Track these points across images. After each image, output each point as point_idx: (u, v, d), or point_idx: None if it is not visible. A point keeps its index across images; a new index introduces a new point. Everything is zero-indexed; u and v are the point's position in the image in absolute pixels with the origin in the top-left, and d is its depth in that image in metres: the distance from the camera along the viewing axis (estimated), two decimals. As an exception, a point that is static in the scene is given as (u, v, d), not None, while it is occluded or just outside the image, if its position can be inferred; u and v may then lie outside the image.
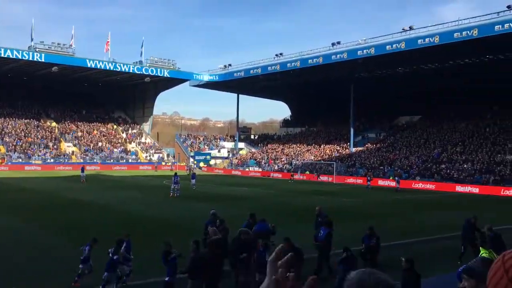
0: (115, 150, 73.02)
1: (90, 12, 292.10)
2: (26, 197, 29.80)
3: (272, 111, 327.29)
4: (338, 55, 53.91)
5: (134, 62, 69.65)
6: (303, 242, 13.46)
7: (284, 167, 62.96)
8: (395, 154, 55.57)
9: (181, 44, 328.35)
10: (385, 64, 55.64)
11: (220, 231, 11.99)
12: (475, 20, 43.39)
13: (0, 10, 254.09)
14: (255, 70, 64.81)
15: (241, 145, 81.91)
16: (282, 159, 66.83)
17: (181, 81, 76.92)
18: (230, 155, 78.76)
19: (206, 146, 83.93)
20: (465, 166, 46.47)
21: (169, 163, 73.43)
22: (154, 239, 15.83)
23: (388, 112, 68.77)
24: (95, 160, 67.65)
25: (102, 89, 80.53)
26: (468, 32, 42.16)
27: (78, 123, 77.46)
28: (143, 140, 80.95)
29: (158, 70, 69.10)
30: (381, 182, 47.42)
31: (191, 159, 76.04)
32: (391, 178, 46.89)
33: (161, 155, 77.89)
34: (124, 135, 79.57)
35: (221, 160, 76.89)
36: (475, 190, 41.21)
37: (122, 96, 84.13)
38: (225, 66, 72.20)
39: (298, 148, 70.16)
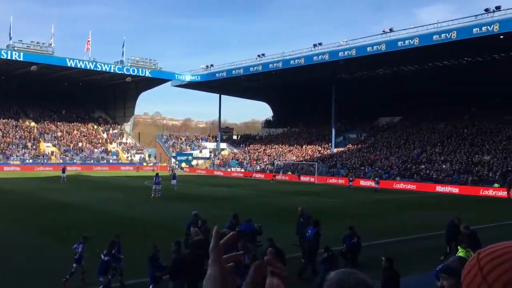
0: (95, 150, 72.20)
1: (70, 11, 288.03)
2: (5, 198, 29.29)
3: (254, 112, 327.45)
4: (319, 56, 54.27)
5: (115, 62, 68.98)
6: (285, 242, 13.57)
7: (266, 168, 63.07)
8: (376, 155, 56.15)
9: (162, 44, 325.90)
10: (366, 65, 56.19)
11: (202, 232, 11.97)
12: (454, 23, 44.10)
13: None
14: (237, 70, 64.81)
15: (223, 145, 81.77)
16: (264, 160, 66.93)
17: (163, 81, 76.47)
18: (212, 156, 78.58)
19: (188, 147, 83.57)
20: (444, 166, 47.20)
21: (151, 164, 72.90)
22: (136, 239, 15.73)
23: (369, 113, 69.44)
24: (75, 161, 66.80)
25: (82, 89, 79.50)
26: (447, 34, 42.83)
27: (58, 123, 76.36)
28: (124, 140, 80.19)
29: (140, 70, 68.56)
30: (363, 183, 47.81)
31: (173, 160, 75.64)
32: (371, 178, 47.30)
33: (142, 155, 77.28)
34: (104, 135, 78.73)
35: (203, 161, 76.63)
36: (455, 190, 41.85)
37: (103, 96, 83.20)
38: (207, 66, 72.03)
39: (280, 149, 70.36)
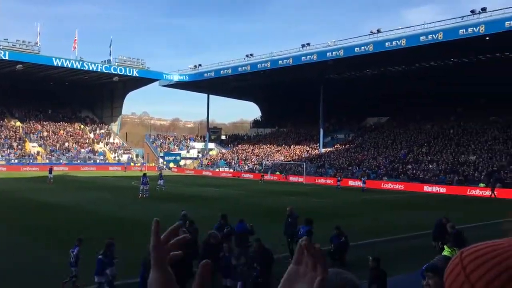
0: (82, 150, 71.60)
1: (56, 9, 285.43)
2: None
3: (242, 112, 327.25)
4: (308, 57, 54.43)
5: (102, 61, 68.50)
6: (274, 242, 13.58)
7: (254, 168, 63.09)
8: (364, 155, 56.48)
9: (150, 43, 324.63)
10: (354, 66, 56.49)
11: (191, 232, 11.95)
12: (441, 24, 44.58)
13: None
14: (225, 70, 64.73)
15: (211, 145, 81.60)
16: (252, 160, 66.94)
17: (151, 80, 76.08)
18: (200, 156, 78.39)
19: (176, 147, 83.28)
20: (431, 166, 47.64)
21: (139, 164, 72.50)
22: (124, 240, 15.62)
23: (357, 113, 69.82)
24: (61, 161, 66.17)
25: (69, 88, 78.74)
26: (433, 35, 43.22)
27: (44, 122, 75.57)
28: (111, 140, 79.63)
29: (127, 69, 68.14)
30: (351, 183, 48.01)
31: (161, 160, 75.31)
32: (358, 178, 47.51)
33: (130, 155, 76.82)
34: (91, 135, 78.11)
35: (191, 161, 76.42)
36: (442, 190, 42.23)
37: (90, 95, 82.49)
38: (195, 66, 71.83)
39: (268, 149, 70.43)
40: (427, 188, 43.24)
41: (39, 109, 78.16)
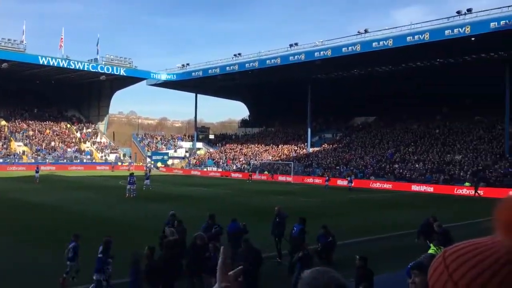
0: (68, 149, 70.98)
1: (43, 7, 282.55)
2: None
3: (230, 111, 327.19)
4: (295, 56, 54.54)
5: (89, 60, 67.96)
6: (263, 241, 13.61)
7: (242, 167, 63.10)
8: (351, 154, 56.80)
9: (138, 42, 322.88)
10: (342, 66, 56.74)
11: (179, 232, 11.93)
12: (427, 24, 44.98)
13: None
14: (213, 70, 64.60)
15: (199, 145, 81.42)
16: (240, 159, 66.95)
17: (138, 79, 75.66)
18: (188, 155, 78.18)
19: (163, 146, 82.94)
20: (417, 166, 48.07)
21: (126, 163, 72.09)
22: (117, 240, 15.52)
23: (344, 113, 70.19)
24: (47, 160, 65.52)
25: (55, 87, 78.00)
26: (420, 36, 43.59)
27: (29, 121, 74.77)
28: (98, 139, 79.06)
29: (114, 68, 67.69)
30: (340, 182, 48.20)
31: (148, 159, 74.94)
32: (345, 177, 47.69)
33: (117, 155, 76.34)
34: (78, 135, 77.47)
35: (178, 160, 76.17)
36: (430, 189, 42.62)
37: (76, 94, 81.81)
38: (183, 65, 71.56)
39: (256, 148, 70.49)
40: (415, 188, 43.60)
41: (25, 108, 77.31)
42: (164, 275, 9.54)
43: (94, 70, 66.38)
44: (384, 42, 46.27)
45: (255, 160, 64.54)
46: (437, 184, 42.97)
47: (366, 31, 49.48)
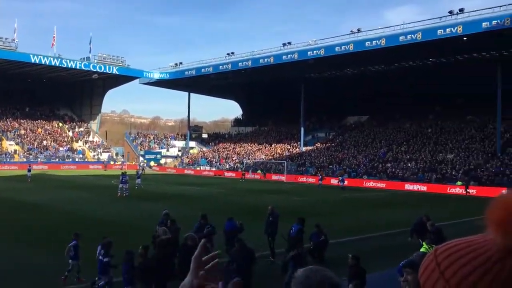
0: (60, 148, 70.58)
1: (35, 6, 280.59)
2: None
3: (224, 110, 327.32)
4: (289, 56, 54.56)
5: (81, 58, 67.57)
6: (256, 241, 13.61)
7: (235, 166, 63.07)
8: (344, 153, 56.95)
9: (131, 41, 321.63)
10: (335, 65, 56.84)
11: (172, 231, 11.91)
12: (419, 24, 45.17)
13: None
14: (206, 68, 64.46)
15: (192, 144, 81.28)
16: (234, 158, 66.92)
17: (131, 78, 75.34)
18: (180, 154, 78.01)
19: (156, 145, 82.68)
20: (409, 165, 48.28)
21: (119, 162, 71.81)
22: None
23: (337, 112, 70.36)
24: (39, 159, 65.12)
25: (47, 86, 77.51)
26: (412, 35, 43.77)
27: (21, 120, 74.26)
28: (90, 138, 78.67)
29: (107, 67, 67.38)
30: (333, 181, 48.22)
31: (141, 158, 74.70)
32: (337, 176, 47.73)
33: (110, 154, 76.03)
34: (70, 134, 77.05)
35: (171, 159, 76.00)
36: (423, 188, 42.79)
37: (68, 93, 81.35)
38: (176, 64, 71.35)
39: (249, 147, 70.48)
40: (408, 187, 43.73)
41: (16, 107, 76.75)
42: (157, 274, 9.52)
43: (87, 69, 66.04)
44: (377, 41, 46.41)
45: (248, 159, 64.53)
46: (430, 183, 43.16)
47: (359, 31, 49.60)
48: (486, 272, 0.85)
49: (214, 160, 68.31)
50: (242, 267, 9.41)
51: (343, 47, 49.32)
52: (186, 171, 66.66)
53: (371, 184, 46.62)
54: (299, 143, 64.80)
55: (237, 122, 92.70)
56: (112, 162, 71.38)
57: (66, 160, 68.55)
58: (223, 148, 74.26)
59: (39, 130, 73.78)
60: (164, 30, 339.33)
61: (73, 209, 24.32)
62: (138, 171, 42.82)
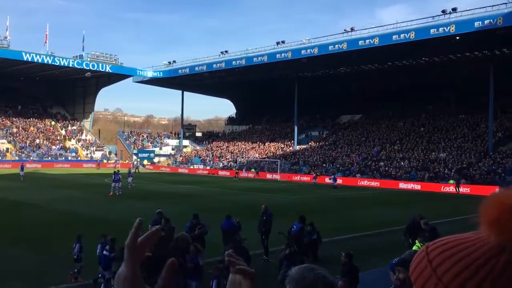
0: (53, 147, 70.19)
1: (27, 3, 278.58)
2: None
3: (217, 109, 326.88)
4: (282, 54, 54.54)
5: (74, 56, 67.17)
6: (251, 239, 13.61)
7: (229, 165, 63.01)
8: (337, 152, 57.06)
9: (124, 39, 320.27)
10: (328, 63, 56.94)
11: (166, 230, 11.86)
12: (412, 23, 45.31)
13: None
14: (200, 67, 64.31)
15: (185, 142, 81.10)
16: (227, 157, 66.86)
17: (124, 76, 75.00)
18: (174, 153, 77.81)
19: (149, 144, 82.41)
20: (402, 163, 48.45)
21: (112, 161, 71.53)
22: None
23: (331, 111, 70.45)
24: (31, 158, 64.72)
25: (39, 84, 77.02)
26: (405, 34, 43.91)
27: (13, 119, 73.76)
28: (83, 137, 78.31)
29: (100, 65, 67.03)
30: (327, 180, 48.11)
31: (134, 157, 74.43)
32: (329, 175, 47.72)
33: (103, 152, 75.71)
34: (63, 132, 76.65)
35: (165, 158, 75.80)
36: (417, 187, 42.93)
37: (61, 91, 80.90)
38: (169, 62, 71.10)
39: (243, 146, 70.44)
40: (402, 185, 43.84)
41: (9, 105, 76.23)
42: (149, 271, 9.50)
43: (79, 67, 65.67)
44: (370, 40, 46.50)
45: (242, 157, 64.50)
46: (424, 182, 43.30)
47: (352, 30, 49.68)
48: (479, 269, 0.84)
49: (208, 158, 68.22)
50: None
51: (336, 46, 49.38)
52: (180, 170, 66.49)
53: (365, 182, 46.71)
54: (292, 141, 64.84)
55: (230, 120, 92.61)
56: (105, 161, 71.09)
57: (59, 159, 68.18)
58: (217, 146, 74.18)
59: (32, 128, 73.33)
60: (158, 29, 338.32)
61: (66, 208, 24.21)
62: (130, 170, 42.73)
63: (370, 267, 12.02)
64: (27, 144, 68.46)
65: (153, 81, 75.53)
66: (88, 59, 67.39)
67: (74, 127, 79.26)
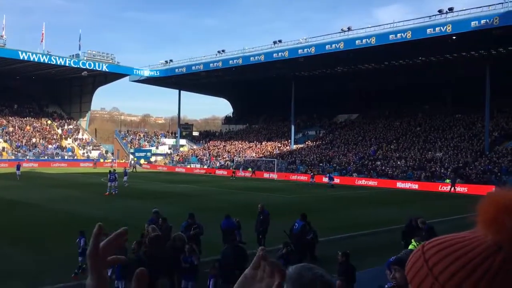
0: (49, 146, 69.99)
1: (24, 2, 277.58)
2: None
3: (214, 108, 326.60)
4: (279, 53, 54.53)
5: (70, 55, 67.00)
6: (248, 239, 13.63)
7: (226, 164, 63.00)
8: (334, 151, 57.12)
9: (121, 38, 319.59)
10: (325, 63, 56.96)
11: (164, 229, 11.87)
12: (409, 23, 45.36)
13: None
14: (197, 66, 64.24)
15: (182, 141, 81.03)
16: (224, 156, 66.84)
17: (121, 76, 74.82)
18: (170, 152, 77.71)
19: (146, 143, 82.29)
20: (399, 163, 48.56)
21: (109, 160, 71.39)
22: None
23: (328, 110, 70.50)
24: (28, 157, 64.52)
25: (35, 83, 76.79)
26: (402, 34, 43.97)
27: (9, 118, 73.52)
28: (80, 136, 78.12)
29: (96, 64, 66.84)
30: (325, 179, 48.09)
31: (131, 156, 74.30)
32: (325, 174, 47.72)
33: (100, 151, 75.56)
34: (59, 131, 76.44)
35: (161, 157, 75.70)
36: (414, 186, 42.99)
37: (58, 90, 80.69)
38: (166, 61, 71.01)
39: (240, 145, 70.43)
40: (400, 185, 43.89)
41: (5, 104, 75.96)
42: (149, 271, 9.50)
43: (76, 66, 65.48)
44: (367, 40, 46.53)
45: (239, 157, 64.49)
46: (422, 181, 43.37)
47: (349, 29, 49.71)
48: (476, 269, 0.84)
49: (205, 158, 68.19)
50: (235, 267, 9.40)
51: (333, 45, 49.41)
52: (177, 169, 66.42)
53: (362, 182, 46.76)
54: (289, 141, 64.87)
55: (227, 120, 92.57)
56: (102, 160, 70.94)
57: (56, 158, 68.01)
58: (214, 146, 74.15)
59: (28, 127, 73.12)
60: (154, 28, 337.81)
61: (63, 208, 24.17)
62: (125, 169, 42.67)
63: (367, 266, 12.06)
64: (23, 143, 68.25)
65: (149, 80, 75.40)
66: (85, 58, 67.22)
67: (71, 126, 79.07)
